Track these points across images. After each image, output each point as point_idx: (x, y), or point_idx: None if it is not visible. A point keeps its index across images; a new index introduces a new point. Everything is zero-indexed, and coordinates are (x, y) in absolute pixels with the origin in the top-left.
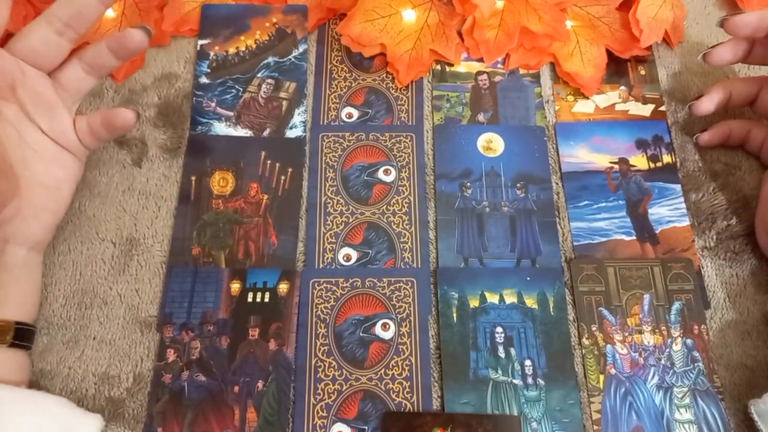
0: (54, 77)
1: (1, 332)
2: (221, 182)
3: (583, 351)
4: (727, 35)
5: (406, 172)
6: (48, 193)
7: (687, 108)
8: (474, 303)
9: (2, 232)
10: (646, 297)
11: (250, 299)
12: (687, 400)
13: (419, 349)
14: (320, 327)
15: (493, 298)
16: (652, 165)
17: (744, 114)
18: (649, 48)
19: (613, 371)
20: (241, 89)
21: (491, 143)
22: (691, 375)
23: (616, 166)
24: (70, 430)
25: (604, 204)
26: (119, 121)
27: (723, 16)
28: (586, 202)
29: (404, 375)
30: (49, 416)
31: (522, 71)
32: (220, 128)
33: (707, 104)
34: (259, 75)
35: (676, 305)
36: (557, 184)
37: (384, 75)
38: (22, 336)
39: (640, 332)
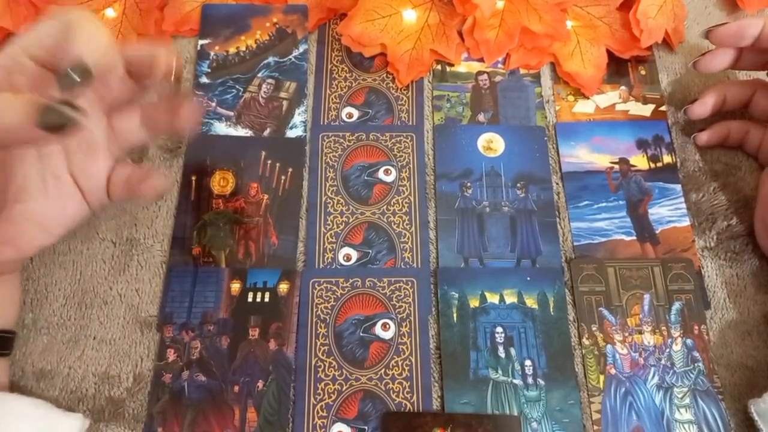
0: (111, 117)
1: None
2: (221, 182)
3: (583, 351)
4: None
5: (406, 172)
6: (23, 229)
7: (682, 112)
8: (474, 303)
9: None
10: (647, 297)
11: (250, 299)
12: (687, 400)
13: (419, 349)
14: (320, 327)
15: (493, 298)
16: (652, 165)
17: (745, 115)
18: (650, 48)
19: (613, 371)
20: (242, 89)
21: (491, 143)
22: (691, 375)
23: (617, 166)
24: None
25: (604, 204)
26: (146, 190)
27: (706, 27)
28: (586, 202)
29: (404, 375)
30: (23, 417)
31: (522, 71)
32: (221, 128)
33: (701, 108)
34: (259, 75)
35: (677, 305)
36: (557, 184)
37: (384, 75)
38: None
39: (640, 332)
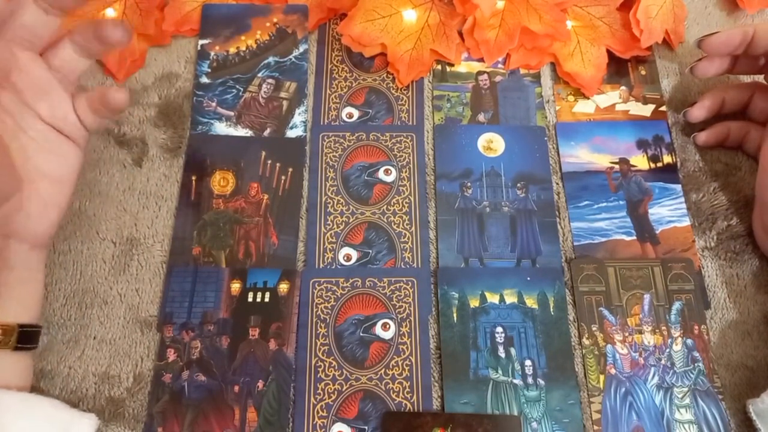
0: (46, 59)
1: (5, 336)
2: (222, 182)
3: (583, 351)
4: None
5: (406, 172)
6: (52, 185)
7: (681, 115)
8: (474, 303)
9: (4, 227)
10: (647, 297)
11: (250, 299)
12: (687, 400)
13: (419, 349)
14: (320, 327)
15: (493, 298)
16: (652, 165)
17: (744, 117)
18: (650, 48)
19: (613, 371)
20: (242, 89)
21: (492, 143)
22: (692, 375)
23: (617, 166)
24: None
25: (604, 204)
26: (111, 103)
27: (699, 37)
28: (586, 202)
29: (404, 375)
30: (46, 418)
31: (522, 71)
32: (221, 128)
33: (699, 112)
34: (259, 75)
35: (677, 305)
36: (558, 184)
37: (384, 75)
38: (26, 338)
39: (641, 332)
